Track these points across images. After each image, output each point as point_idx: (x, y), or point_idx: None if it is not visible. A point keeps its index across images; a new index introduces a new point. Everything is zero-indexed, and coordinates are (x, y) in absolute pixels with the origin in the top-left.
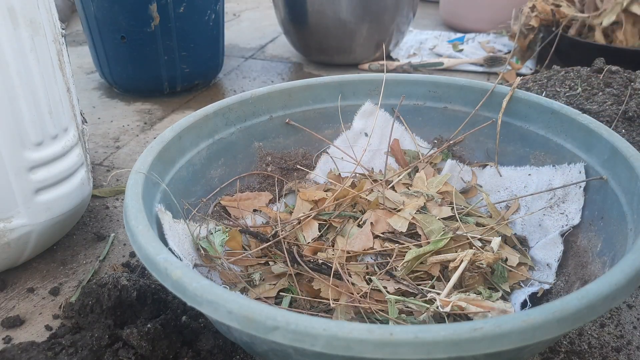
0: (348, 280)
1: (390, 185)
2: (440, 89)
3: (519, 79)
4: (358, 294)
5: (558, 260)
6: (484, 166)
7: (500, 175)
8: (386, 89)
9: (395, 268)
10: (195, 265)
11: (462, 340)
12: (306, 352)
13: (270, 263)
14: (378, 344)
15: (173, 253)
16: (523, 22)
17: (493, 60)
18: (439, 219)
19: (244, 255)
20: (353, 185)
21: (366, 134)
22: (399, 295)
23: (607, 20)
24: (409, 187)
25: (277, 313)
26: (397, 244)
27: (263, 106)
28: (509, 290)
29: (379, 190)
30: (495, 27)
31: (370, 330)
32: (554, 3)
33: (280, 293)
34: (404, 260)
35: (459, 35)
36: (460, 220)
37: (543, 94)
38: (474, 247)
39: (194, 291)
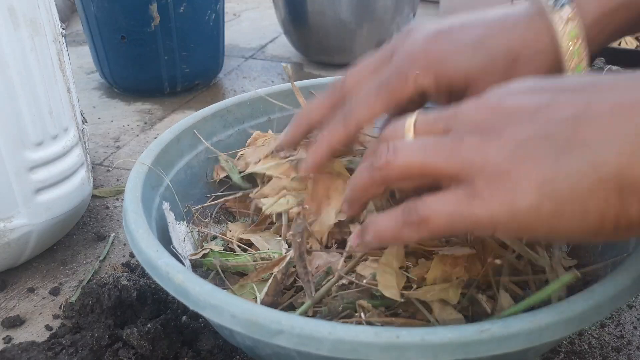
0: None
1: None
2: None
3: None
4: None
5: None
6: None
7: None
8: None
9: None
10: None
11: (470, 342)
12: (311, 356)
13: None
14: (384, 347)
15: (176, 251)
16: None
17: None
18: None
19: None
20: None
21: None
22: None
23: None
24: None
25: (281, 317)
26: None
27: (261, 108)
28: None
29: None
30: None
31: (377, 333)
32: None
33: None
34: None
35: None
36: None
37: None
38: None
39: (197, 296)
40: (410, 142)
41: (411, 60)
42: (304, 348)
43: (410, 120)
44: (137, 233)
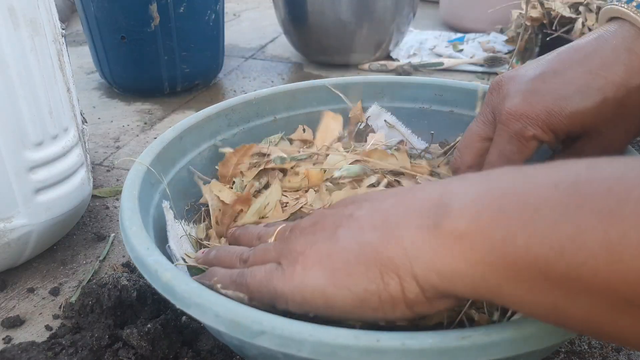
0: None
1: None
2: (447, 92)
3: None
4: None
5: None
6: None
7: None
8: (391, 92)
9: None
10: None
11: (450, 348)
12: (294, 358)
13: None
14: (364, 351)
15: (170, 252)
16: (515, 24)
17: (493, 60)
18: None
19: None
20: None
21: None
22: None
23: None
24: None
25: (263, 317)
26: None
27: (267, 107)
28: None
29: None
30: (494, 27)
31: (357, 336)
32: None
33: None
34: None
35: (459, 35)
36: None
37: None
38: None
39: (182, 294)
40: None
41: (522, 120)
42: (285, 349)
43: (275, 229)
44: (130, 230)
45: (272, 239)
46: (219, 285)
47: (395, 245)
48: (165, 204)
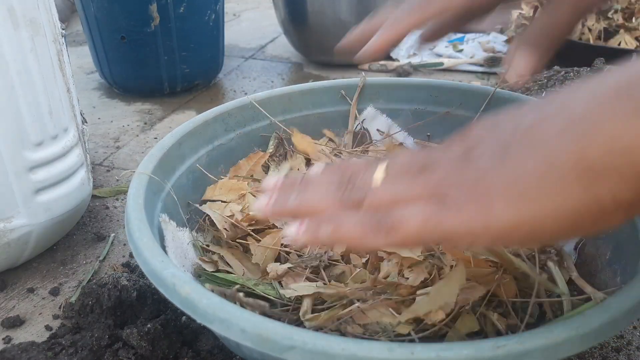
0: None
1: None
2: (442, 93)
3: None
4: None
5: None
6: None
7: None
8: (387, 93)
9: None
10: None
11: (486, 358)
12: None
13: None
14: None
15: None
16: (515, 24)
17: (493, 61)
18: None
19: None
20: None
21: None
22: None
23: None
24: None
25: (292, 332)
26: None
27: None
28: None
29: None
30: (494, 27)
31: (391, 349)
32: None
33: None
34: None
35: (459, 35)
36: None
37: (543, 94)
38: None
39: (205, 308)
40: (381, 183)
41: None
42: None
43: (380, 167)
44: (141, 242)
45: (378, 176)
46: (339, 236)
47: (596, 143)
48: (164, 217)
